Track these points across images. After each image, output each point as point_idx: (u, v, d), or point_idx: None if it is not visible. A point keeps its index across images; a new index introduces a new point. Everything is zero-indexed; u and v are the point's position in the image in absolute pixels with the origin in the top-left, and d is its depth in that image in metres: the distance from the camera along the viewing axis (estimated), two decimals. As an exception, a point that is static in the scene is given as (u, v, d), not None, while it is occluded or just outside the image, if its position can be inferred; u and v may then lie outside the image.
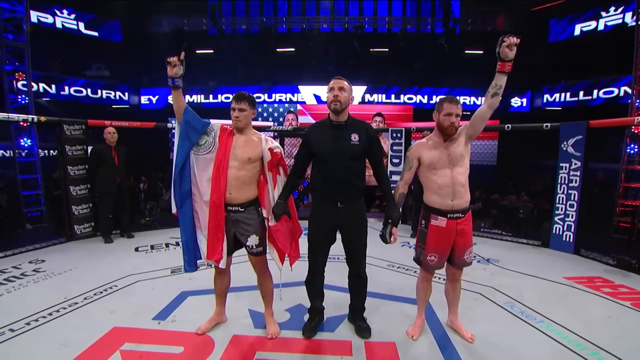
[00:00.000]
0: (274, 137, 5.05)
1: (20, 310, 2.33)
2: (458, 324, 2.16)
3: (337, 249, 2.20)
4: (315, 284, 2.15)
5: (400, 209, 2.03)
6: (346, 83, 1.93)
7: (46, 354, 1.89)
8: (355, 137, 1.92)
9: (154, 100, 11.31)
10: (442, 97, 1.98)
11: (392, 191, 2.03)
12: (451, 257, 2.03)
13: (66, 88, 9.76)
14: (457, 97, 1.96)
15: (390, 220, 1.94)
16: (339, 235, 2.10)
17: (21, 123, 5.30)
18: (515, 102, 10.79)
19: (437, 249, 1.98)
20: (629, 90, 5.87)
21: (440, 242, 1.96)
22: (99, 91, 10.38)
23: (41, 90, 9.23)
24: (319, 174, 1.99)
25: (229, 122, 2.00)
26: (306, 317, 2.26)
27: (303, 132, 5.20)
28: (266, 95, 11.13)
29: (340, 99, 1.88)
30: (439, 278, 2.66)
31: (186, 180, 1.96)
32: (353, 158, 1.92)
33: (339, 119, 1.94)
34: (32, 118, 3.96)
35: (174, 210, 2.00)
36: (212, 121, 2.02)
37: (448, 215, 1.92)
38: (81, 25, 9.63)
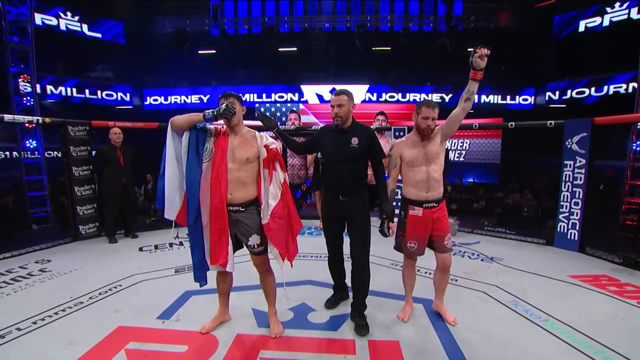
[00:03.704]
0: (277, 137, 5.05)
1: (27, 309, 2.36)
2: (442, 308, 2.30)
3: (345, 248, 2.27)
4: (333, 262, 2.42)
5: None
6: (345, 98, 2.11)
7: (52, 353, 1.91)
8: (355, 141, 2.13)
9: (157, 100, 11.37)
10: (421, 101, 2.19)
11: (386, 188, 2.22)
12: (433, 245, 2.21)
13: (70, 89, 9.84)
14: (435, 102, 2.15)
15: (384, 216, 2.15)
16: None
17: (26, 125, 5.37)
18: (519, 99, 10.70)
19: (416, 236, 2.18)
20: (635, 86, 5.80)
21: (418, 229, 2.17)
22: (103, 92, 10.45)
23: (47, 92, 9.31)
24: (325, 171, 2.30)
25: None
26: (311, 313, 2.32)
27: (306, 131, 5.21)
28: (271, 95, 11.14)
29: (340, 115, 2.11)
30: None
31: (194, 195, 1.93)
32: (351, 159, 2.14)
33: (342, 126, 2.17)
34: (37, 119, 4.00)
35: (167, 214, 1.97)
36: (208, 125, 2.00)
37: (424, 205, 2.14)
38: (85, 27, 9.69)
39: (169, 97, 11.26)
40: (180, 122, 1.91)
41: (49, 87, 9.41)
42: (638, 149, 5.26)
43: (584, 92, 9.51)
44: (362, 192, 2.21)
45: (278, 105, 11.00)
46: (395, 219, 2.22)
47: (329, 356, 1.92)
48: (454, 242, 3.51)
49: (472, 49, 1.94)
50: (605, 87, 9.05)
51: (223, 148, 1.92)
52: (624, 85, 8.63)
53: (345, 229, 2.29)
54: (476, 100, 11.43)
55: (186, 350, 1.94)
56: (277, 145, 2.00)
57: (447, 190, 2.28)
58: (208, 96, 11.14)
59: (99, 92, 10.36)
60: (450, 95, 10.85)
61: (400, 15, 10.71)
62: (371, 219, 2.25)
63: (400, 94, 11.04)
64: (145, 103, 11.37)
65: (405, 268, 2.33)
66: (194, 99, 11.20)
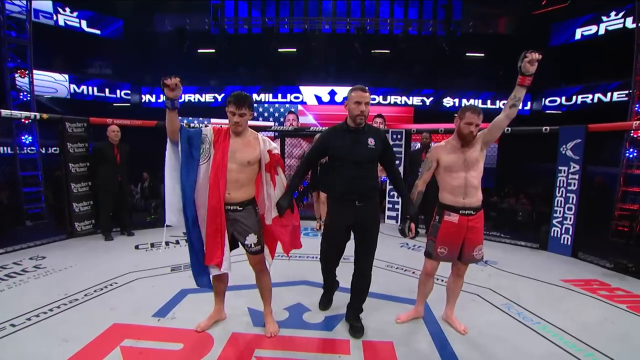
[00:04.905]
0: (274, 138, 5.06)
1: (21, 305, 2.35)
2: (453, 318, 2.26)
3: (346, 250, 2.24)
4: (334, 269, 2.32)
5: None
6: (369, 96, 2.02)
7: (47, 349, 1.91)
8: (371, 142, 2.04)
9: (155, 98, 11.34)
10: (467, 105, 2.10)
11: (409, 189, 2.18)
12: (461, 252, 2.12)
13: (68, 86, 9.78)
14: (479, 108, 2.05)
15: (408, 216, 2.11)
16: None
17: (23, 120, 5.33)
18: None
19: (448, 242, 2.10)
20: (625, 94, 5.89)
21: (451, 236, 2.08)
22: (101, 89, 10.40)
23: (44, 87, 9.25)
24: (337, 176, 2.08)
25: (224, 121, 1.99)
26: (306, 313, 2.33)
27: (304, 132, 5.22)
28: (269, 95, 11.16)
29: (365, 113, 2.00)
30: (441, 280, 2.67)
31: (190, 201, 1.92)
32: (370, 161, 2.06)
33: (360, 126, 2.04)
34: (35, 115, 3.98)
35: (170, 221, 1.98)
36: (203, 128, 1.99)
37: (460, 212, 2.05)
38: (84, 24, 9.66)
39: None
40: (168, 129, 1.90)
41: (47, 83, 9.35)
42: (631, 156, 5.34)
43: (580, 99, 9.64)
44: (375, 197, 2.14)
45: (276, 105, 11.02)
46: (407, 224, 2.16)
47: (323, 356, 1.94)
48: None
49: (523, 53, 1.82)
50: (601, 95, 9.18)
51: (224, 149, 1.91)
52: (619, 93, 8.75)
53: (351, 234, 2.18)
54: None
55: (181, 348, 1.95)
56: (279, 150, 2.02)
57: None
58: (222, 95, 11.11)
59: (96, 89, 10.31)
60: (431, 99, 10.91)
61: (400, 18, 10.79)
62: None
63: (398, 97, 11.11)
64: (144, 101, 11.34)
65: (424, 276, 2.25)
66: (208, 97, 11.20)
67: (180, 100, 1.86)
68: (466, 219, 2.04)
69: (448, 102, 10.85)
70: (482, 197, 2.08)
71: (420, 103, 11.03)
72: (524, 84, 1.86)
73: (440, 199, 2.13)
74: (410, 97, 11.09)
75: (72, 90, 9.86)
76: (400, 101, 11.12)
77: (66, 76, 9.76)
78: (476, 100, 10.60)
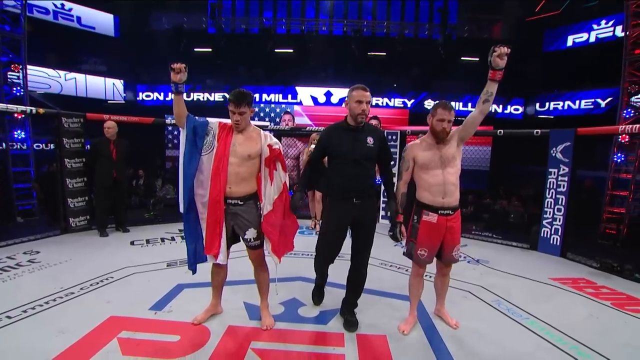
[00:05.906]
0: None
1: (17, 298, 2.35)
2: (444, 313, 2.30)
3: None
4: (324, 272, 2.36)
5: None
6: (370, 95, 2.06)
7: (44, 341, 1.92)
8: (370, 140, 2.07)
9: (150, 96, 11.29)
10: (438, 102, 2.10)
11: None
12: (440, 253, 2.14)
13: (62, 81, 9.69)
14: (451, 104, 2.07)
15: (398, 219, 2.10)
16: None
17: (16, 115, 5.28)
18: (510, 108, 11.00)
19: (428, 243, 2.10)
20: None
21: (431, 237, 2.08)
22: (96, 86, 10.31)
23: (38, 83, 9.14)
24: (336, 174, 2.09)
25: (228, 120, 2.03)
26: (301, 308, 2.38)
27: (300, 132, 5.27)
28: (266, 95, 11.19)
29: (366, 112, 2.03)
30: (429, 276, 2.73)
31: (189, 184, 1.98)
32: (368, 159, 2.09)
33: (360, 125, 2.07)
34: (31, 110, 3.96)
35: (182, 209, 2.02)
36: (210, 120, 2.05)
37: (439, 212, 2.04)
38: (79, 19, 9.59)
39: (162, 93, 11.19)
40: (174, 113, 1.98)
41: (41, 79, 9.25)
42: (619, 160, 5.48)
43: (572, 104, 9.86)
44: (373, 195, 2.16)
45: (272, 105, 11.05)
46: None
47: (318, 348, 1.98)
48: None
49: (492, 47, 1.84)
50: (592, 100, 9.40)
51: (226, 142, 1.96)
52: (610, 99, 8.97)
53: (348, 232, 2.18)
54: (469, 109, 11.54)
55: (178, 340, 1.97)
56: (280, 145, 2.04)
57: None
58: (219, 94, 11.10)
59: (91, 85, 10.21)
60: (412, 101, 11.03)
61: (397, 21, 10.91)
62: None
63: (393, 99, 11.22)
64: (138, 98, 11.27)
65: (413, 277, 2.22)
66: (205, 96, 11.20)
67: (181, 86, 1.94)
68: (445, 218, 2.04)
69: (413, 103, 10.96)
70: (459, 197, 2.08)
71: (415, 105, 11.15)
72: (494, 79, 1.89)
73: (418, 197, 2.11)
74: (406, 99, 11.20)
75: (65, 86, 9.76)
76: (396, 103, 11.19)
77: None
78: (472, 104, 10.77)
